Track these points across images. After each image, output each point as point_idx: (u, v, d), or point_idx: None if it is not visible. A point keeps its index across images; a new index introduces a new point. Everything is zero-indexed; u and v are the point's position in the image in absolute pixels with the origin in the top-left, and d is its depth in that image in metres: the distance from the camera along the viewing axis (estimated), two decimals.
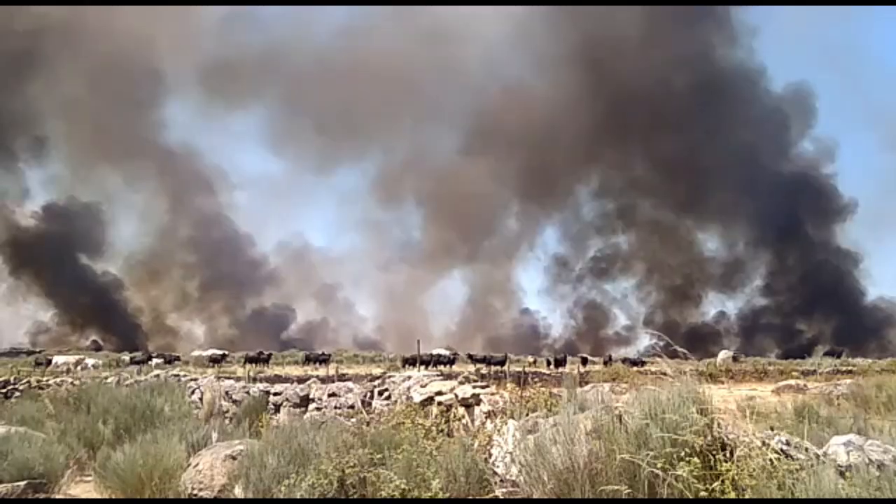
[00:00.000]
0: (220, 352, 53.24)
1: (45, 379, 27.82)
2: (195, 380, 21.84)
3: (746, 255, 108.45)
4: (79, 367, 42.93)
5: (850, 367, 47.12)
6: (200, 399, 19.09)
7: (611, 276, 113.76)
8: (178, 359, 50.24)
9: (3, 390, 24.69)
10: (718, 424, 6.86)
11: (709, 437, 6.50)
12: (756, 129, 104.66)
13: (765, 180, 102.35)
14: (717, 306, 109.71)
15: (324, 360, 48.04)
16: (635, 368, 41.43)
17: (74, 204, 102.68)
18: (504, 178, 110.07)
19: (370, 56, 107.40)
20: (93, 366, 43.59)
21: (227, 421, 16.07)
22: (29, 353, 58.60)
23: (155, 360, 46.99)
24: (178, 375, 23.35)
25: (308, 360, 50.05)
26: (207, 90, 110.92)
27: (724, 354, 56.39)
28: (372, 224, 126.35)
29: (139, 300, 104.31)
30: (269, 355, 51.98)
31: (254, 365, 46.07)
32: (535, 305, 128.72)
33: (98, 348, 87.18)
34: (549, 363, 51.42)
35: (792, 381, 30.03)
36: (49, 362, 45.52)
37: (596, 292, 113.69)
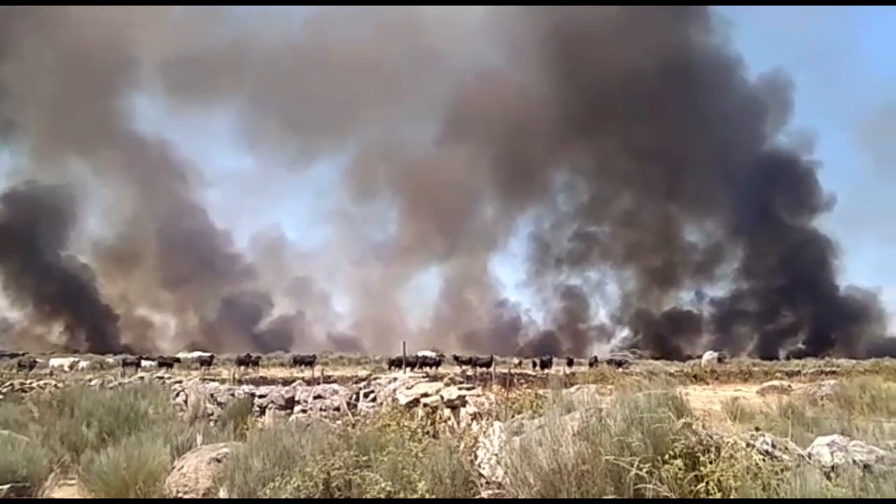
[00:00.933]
0: (206, 354, 53.10)
1: (28, 382, 27.67)
2: (180, 382, 21.76)
3: (724, 241, 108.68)
4: (73, 370, 42.75)
5: (833, 368, 47.46)
6: (185, 401, 19.03)
7: (589, 264, 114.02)
8: (177, 360, 49.57)
9: None
10: (703, 425, 6.88)
11: (691, 439, 6.52)
12: (733, 118, 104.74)
13: (742, 168, 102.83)
14: (695, 292, 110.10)
15: (310, 361, 47.92)
16: (621, 369, 41.52)
17: (36, 189, 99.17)
18: (480, 168, 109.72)
19: (340, 47, 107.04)
20: (81, 368, 43.35)
21: (211, 423, 16.02)
22: (12, 355, 58.18)
23: (147, 363, 46.47)
24: (162, 377, 23.28)
25: (295, 361, 49.92)
26: (175, 87, 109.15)
27: (709, 356, 56.71)
28: (347, 218, 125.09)
29: (108, 290, 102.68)
30: (258, 358, 51.93)
31: (245, 367, 46.01)
32: (514, 298, 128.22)
33: (74, 346, 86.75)
34: (534, 364, 51.56)
35: (776, 382, 30.16)
36: (33, 364, 45.24)
37: (575, 280, 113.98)
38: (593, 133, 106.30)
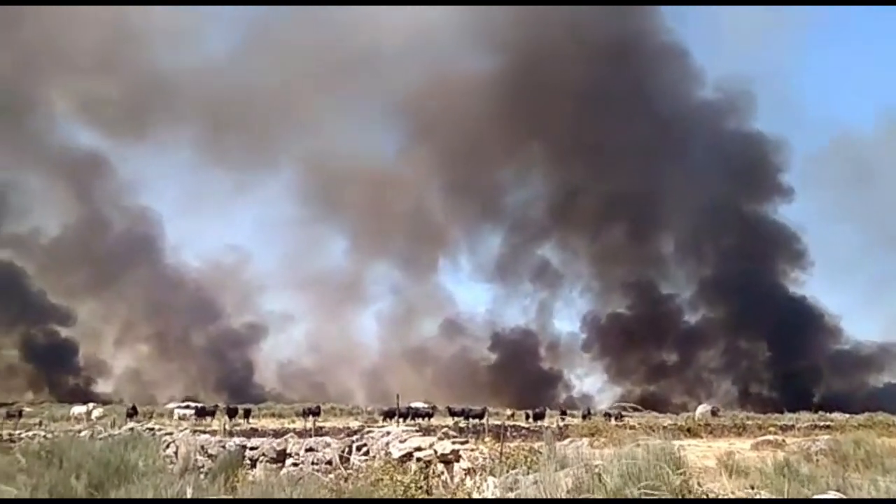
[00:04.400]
0: (197, 404, 52.64)
1: (17, 432, 27.40)
2: (170, 434, 21.56)
3: (686, 244, 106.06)
4: (92, 416, 42.87)
5: (827, 422, 47.39)
6: (175, 453, 18.83)
7: (551, 272, 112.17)
8: (213, 412, 48.23)
9: None
10: (698, 483, 6.83)
11: (687, 496, 6.47)
12: (691, 120, 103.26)
13: (703, 171, 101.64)
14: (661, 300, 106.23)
15: (315, 412, 47.14)
16: (614, 422, 41.31)
17: None
18: (432, 175, 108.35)
19: (279, 57, 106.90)
20: (96, 417, 43.18)
21: (202, 476, 15.84)
22: (1, 405, 58.08)
23: (181, 411, 46.22)
24: (152, 429, 23.08)
25: (302, 413, 48.87)
26: (100, 119, 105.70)
27: (702, 409, 56.40)
28: (297, 239, 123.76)
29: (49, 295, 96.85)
30: (249, 410, 51.17)
31: (233, 418, 45.36)
32: (477, 312, 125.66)
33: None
34: (527, 416, 51.41)
35: (770, 437, 30.02)
36: (20, 414, 44.84)
37: (537, 288, 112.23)
38: (549, 134, 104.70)
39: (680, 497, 6.35)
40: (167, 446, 19.37)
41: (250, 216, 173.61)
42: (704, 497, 6.53)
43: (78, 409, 47.19)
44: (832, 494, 6.57)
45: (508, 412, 58.26)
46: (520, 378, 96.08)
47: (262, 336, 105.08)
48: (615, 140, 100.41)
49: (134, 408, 48.46)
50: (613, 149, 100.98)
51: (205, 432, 23.55)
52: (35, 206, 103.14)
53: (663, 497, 6.27)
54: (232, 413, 47.53)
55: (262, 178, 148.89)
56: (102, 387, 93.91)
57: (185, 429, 25.49)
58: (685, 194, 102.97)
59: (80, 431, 23.38)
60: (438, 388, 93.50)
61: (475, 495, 8.32)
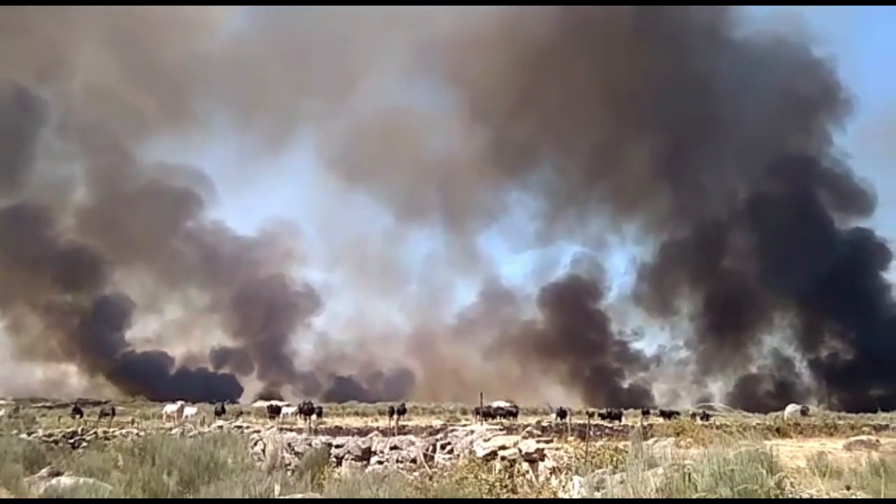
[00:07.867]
0: (280, 403, 53.37)
1: (111, 430, 28.20)
2: (258, 431, 21.95)
3: (736, 201, 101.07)
4: (184, 416, 43.75)
5: None
6: (263, 451, 19.16)
7: (593, 233, 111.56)
8: (320, 411, 48.68)
9: (71, 441, 25.08)
10: (791, 484, 6.67)
11: (780, 497, 6.32)
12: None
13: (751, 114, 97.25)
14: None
15: (402, 411, 47.07)
16: (700, 422, 40.60)
17: None
18: (467, 135, 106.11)
19: (302, 32, 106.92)
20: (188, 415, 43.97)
21: (289, 473, 16.08)
22: (96, 403, 59.87)
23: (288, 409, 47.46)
24: (240, 427, 23.52)
25: (389, 411, 48.81)
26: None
27: (791, 408, 55.10)
28: (338, 210, 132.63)
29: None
30: (320, 409, 51.03)
31: (308, 417, 45.57)
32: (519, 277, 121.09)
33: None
34: (603, 416, 50.97)
35: (864, 437, 29.13)
36: (113, 412, 45.97)
37: (585, 250, 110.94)
38: (583, 86, 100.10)
39: (774, 498, 6.21)
40: (255, 444, 19.72)
41: (288, 189, 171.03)
42: (799, 498, 6.37)
43: (170, 408, 48.28)
44: None
45: (589, 410, 58.15)
46: (572, 338, 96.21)
47: (305, 304, 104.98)
48: (652, 88, 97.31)
49: (223, 406, 49.41)
50: (652, 96, 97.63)
51: (291, 430, 23.92)
52: (74, 168, 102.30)
53: (758, 498, 6.15)
54: (308, 411, 47.70)
55: (297, 150, 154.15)
56: (144, 346, 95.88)
57: (272, 427, 25.91)
58: (734, 139, 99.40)
59: (170, 429, 23.95)
60: (492, 357, 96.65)
61: (561, 494, 8.27)
